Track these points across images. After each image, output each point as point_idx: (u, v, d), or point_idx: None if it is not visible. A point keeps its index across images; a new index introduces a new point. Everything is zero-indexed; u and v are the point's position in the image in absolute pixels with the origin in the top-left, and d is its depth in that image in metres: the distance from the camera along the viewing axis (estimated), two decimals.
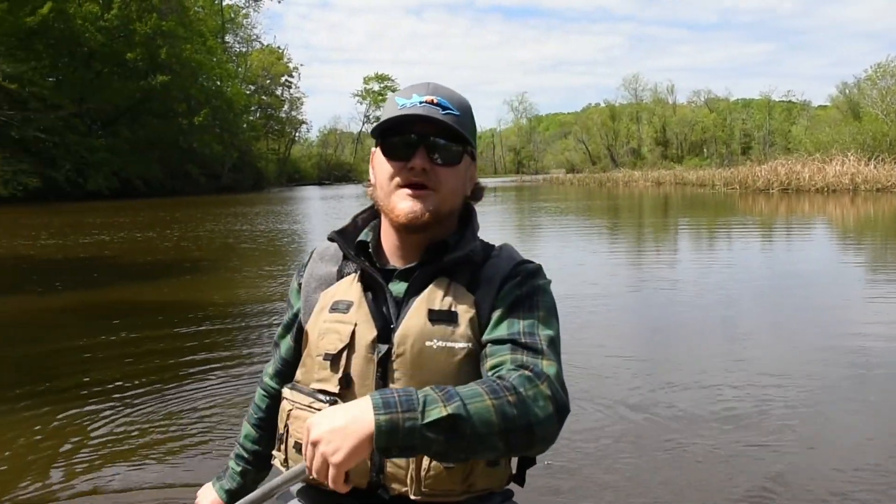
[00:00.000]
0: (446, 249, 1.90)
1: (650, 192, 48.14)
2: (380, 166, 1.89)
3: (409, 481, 1.76)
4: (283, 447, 1.93)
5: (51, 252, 17.40)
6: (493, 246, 2.01)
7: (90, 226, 26.03)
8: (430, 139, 1.83)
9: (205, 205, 43.07)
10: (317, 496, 1.91)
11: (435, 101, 1.84)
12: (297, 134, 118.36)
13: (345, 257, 1.99)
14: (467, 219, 2.00)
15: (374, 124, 1.88)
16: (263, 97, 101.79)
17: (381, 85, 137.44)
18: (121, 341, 7.66)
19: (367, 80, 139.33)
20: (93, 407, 5.42)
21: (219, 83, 75.53)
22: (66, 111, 53.95)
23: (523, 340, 1.73)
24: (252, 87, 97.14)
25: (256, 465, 2.19)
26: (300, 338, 2.01)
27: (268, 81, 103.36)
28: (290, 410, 1.90)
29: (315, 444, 1.49)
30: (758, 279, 10.88)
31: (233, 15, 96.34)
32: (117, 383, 6.01)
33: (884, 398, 5.27)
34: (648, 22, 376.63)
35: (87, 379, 6.18)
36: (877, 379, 5.72)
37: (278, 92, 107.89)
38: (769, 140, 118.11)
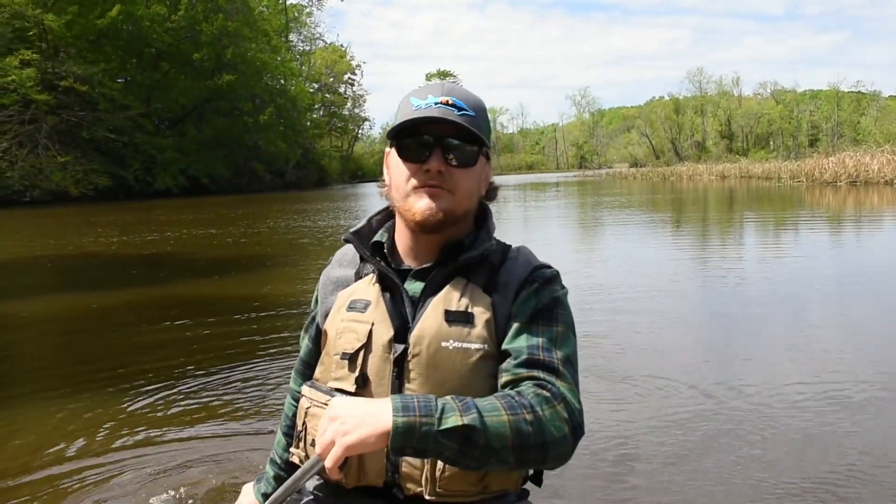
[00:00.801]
0: (462, 249, 1.90)
1: (715, 186, 47.35)
2: (395, 167, 1.90)
3: (424, 481, 1.77)
4: (301, 444, 1.94)
5: (118, 249, 17.81)
6: (510, 247, 2.00)
7: (157, 223, 26.57)
8: (446, 140, 1.83)
9: (269, 202, 43.60)
10: (332, 492, 1.94)
11: (450, 101, 1.83)
12: (359, 131, 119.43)
13: (362, 259, 2.00)
14: (482, 219, 2.00)
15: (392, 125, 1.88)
16: (327, 95, 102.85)
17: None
18: (181, 332, 7.85)
19: (429, 77, 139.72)
20: (151, 389, 5.65)
21: (283, 82, 76.58)
22: (134, 111, 55.31)
23: (541, 357, 1.74)
24: (315, 86, 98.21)
25: (289, 472, 2.15)
26: (318, 339, 2.03)
27: (331, 79, 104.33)
28: (308, 408, 1.92)
29: (331, 420, 1.54)
30: (826, 274, 10.54)
31: (296, 14, 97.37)
32: (176, 369, 6.24)
33: None
34: (714, 14, 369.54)
35: (148, 365, 6.40)
36: None
37: (341, 90, 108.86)
38: (837, 132, 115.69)
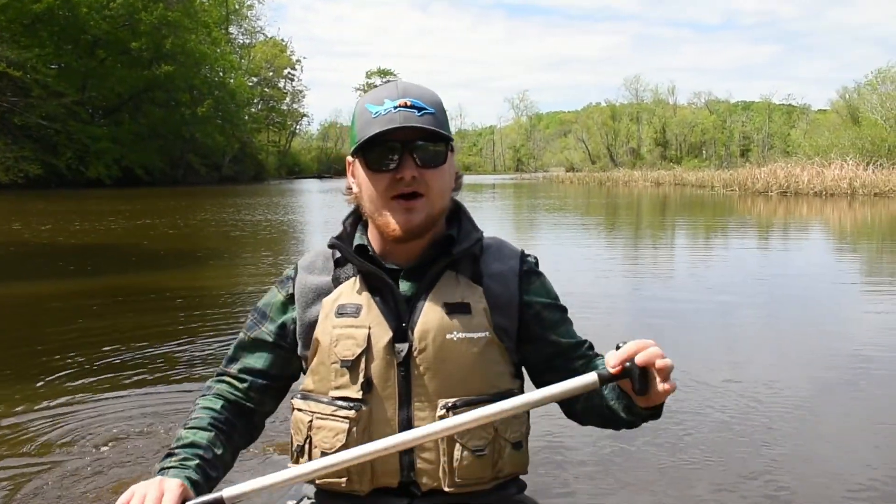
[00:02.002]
0: (452, 243, 1.90)
1: (650, 193, 48.02)
2: (365, 180, 1.85)
3: (441, 473, 1.80)
4: (305, 459, 1.86)
5: (49, 237, 17.64)
6: (482, 236, 1.99)
7: (90, 213, 26.28)
8: (413, 144, 1.79)
9: (205, 195, 43.32)
10: (346, 499, 1.88)
11: (408, 103, 1.79)
12: (297, 127, 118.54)
13: (336, 265, 1.95)
14: (456, 211, 1.98)
15: (360, 137, 1.81)
16: (266, 89, 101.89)
17: (384, 80, 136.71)
18: (109, 318, 7.99)
19: (369, 75, 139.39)
20: (72, 365, 5.97)
21: (222, 74, 75.70)
22: (68, 99, 54.03)
23: (585, 340, 2.03)
24: (255, 79, 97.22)
25: (217, 470, 1.85)
26: (287, 351, 1.98)
27: (270, 74, 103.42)
28: (311, 421, 1.85)
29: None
30: (754, 282, 10.78)
31: (237, 6, 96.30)
32: (101, 350, 6.52)
33: (880, 406, 5.21)
34: (653, 22, 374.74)
35: (75, 355, 6.50)
36: (874, 386, 5.63)
37: (280, 84, 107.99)
38: (768, 143, 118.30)
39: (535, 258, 2.02)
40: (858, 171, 38.98)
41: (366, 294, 1.86)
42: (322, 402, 1.85)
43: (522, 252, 2.01)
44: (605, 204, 35.10)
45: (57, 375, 5.77)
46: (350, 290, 1.89)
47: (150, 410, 5.02)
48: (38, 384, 5.57)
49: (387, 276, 1.87)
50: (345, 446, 1.77)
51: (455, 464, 1.79)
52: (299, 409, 1.89)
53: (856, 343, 7.00)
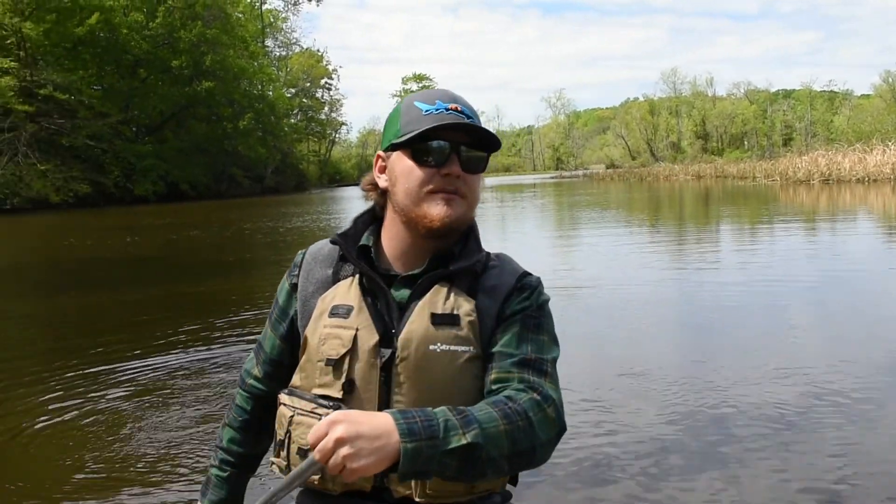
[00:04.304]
0: (451, 258, 1.90)
1: (691, 186, 47.65)
2: (406, 173, 1.85)
3: (413, 484, 1.77)
4: (284, 453, 1.89)
5: (97, 253, 18.30)
6: (489, 253, 2.00)
7: (139, 227, 26.95)
8: (461, 147, 1.83)
9: (250, 206, 43.88)
10: (317, 498, 1.90)
11: (459, 108, 1.83)
12: (337, 135, 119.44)
13: (341, 259, 1.97)
14: (469, 227, 1.97)
15: (407, 131, 1.84)
16: (304, 100, 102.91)
17: (420, 85, 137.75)
18: (162, 330, 8.23)
19: (405, 81, 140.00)
20: (128, 370, 6.23)
21: (261, 87, 76.61)
22: (113, 118, 55.28)
23: (532, 357, 1.79)
24: (293, 90, 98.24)
25: (242, 468, 2.14)
26: (292, 338, 2.02)
27: (308, 84, 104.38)
28: (292, 416, 1.87)
29: (339, 442, 1.46)
30: (802, 274, 10.39)
31: (272, 19, 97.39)
32: (155, 363, 6.75)
33: None
34: (688, 13, 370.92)
35: (134, 354, 7.01)
36: None
37: (318, 94, 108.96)
38: (811, 131, 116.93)
39: (537, 278, 1.98)
40: None
41: (360, 296, 1.87)
42: (304, 399, 1.86)
43: (523, 271, 1.98)
44: (646, 199, 35.07)
45: (117, 377, 6.24)
46: (345, 291, 1.90)
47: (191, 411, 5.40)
48: (98, 380, 6.11)
49: (381, 280, 1.88)
50: None
51: None
52: (283, 404, 1.91)
53: None
